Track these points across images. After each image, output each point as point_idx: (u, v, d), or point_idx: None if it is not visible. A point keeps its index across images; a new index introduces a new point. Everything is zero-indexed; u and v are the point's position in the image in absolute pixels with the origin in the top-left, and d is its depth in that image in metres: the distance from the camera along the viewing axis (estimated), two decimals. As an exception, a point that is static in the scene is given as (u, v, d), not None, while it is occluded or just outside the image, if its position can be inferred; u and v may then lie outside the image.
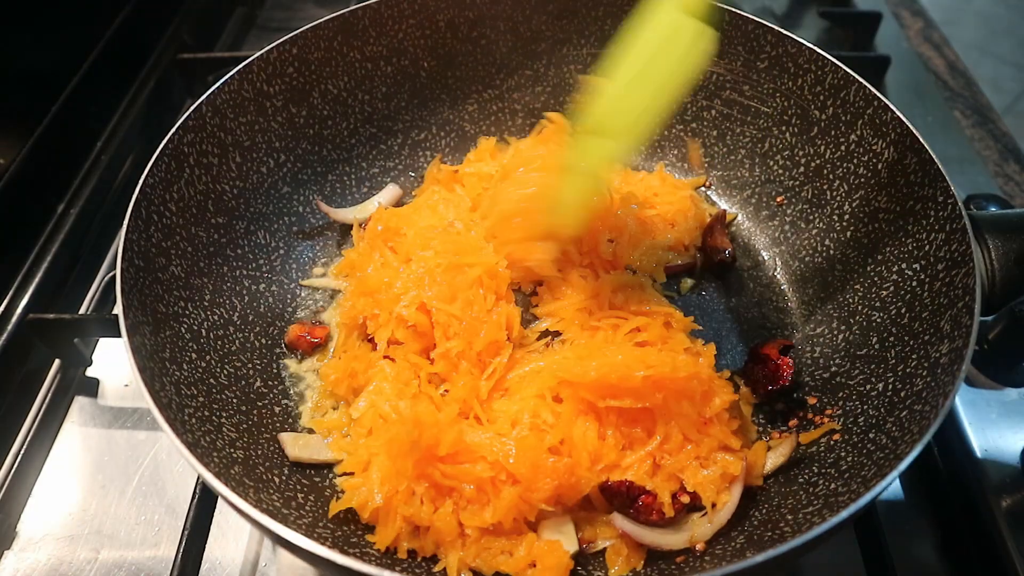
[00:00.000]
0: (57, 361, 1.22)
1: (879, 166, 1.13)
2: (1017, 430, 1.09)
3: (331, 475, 1.02)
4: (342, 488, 0.98)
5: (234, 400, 1.02)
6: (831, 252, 1.21)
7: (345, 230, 1.33)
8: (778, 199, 1.32)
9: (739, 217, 1.37)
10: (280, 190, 1.27)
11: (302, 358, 1.15)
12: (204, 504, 0.97)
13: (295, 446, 1.01)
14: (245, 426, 0.99)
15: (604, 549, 0.95)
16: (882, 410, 0.96)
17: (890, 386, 0.98)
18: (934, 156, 1.03)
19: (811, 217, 1.26)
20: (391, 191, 1.37)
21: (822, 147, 1.23)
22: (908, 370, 0.97)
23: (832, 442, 0.99)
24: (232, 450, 0.92)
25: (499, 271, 1.11)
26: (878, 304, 1.09)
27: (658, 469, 0.97)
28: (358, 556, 0.81)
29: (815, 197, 1.25)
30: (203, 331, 1.04)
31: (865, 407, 1.00)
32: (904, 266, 1.06)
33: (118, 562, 1.02)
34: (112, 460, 1.12)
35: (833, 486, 0.90)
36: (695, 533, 0.93)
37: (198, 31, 1.83)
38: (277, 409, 1.08)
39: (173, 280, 1.03)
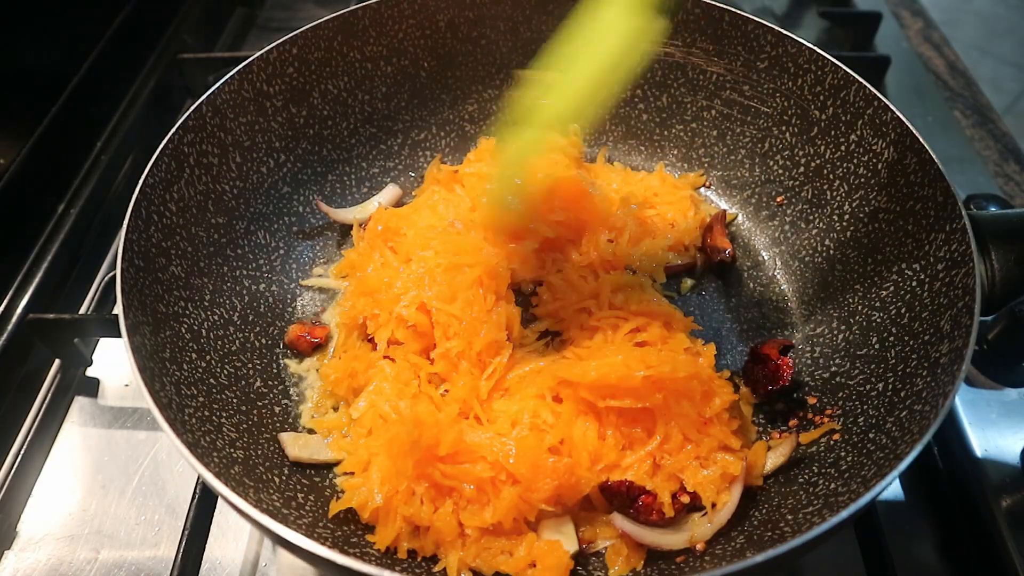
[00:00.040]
0: (57, 361, 1.22)
1: (879, 166, 1.13)
2: (1017, 430, 1.09)
3: (331, 475, 1.02)
4: (342, 488, 0.98)
5: (234, 400, 1.02)
6: (831, 252, 1.21)
7: (345, 230, 1.33)
8: (778, 199, 1.31)
9: (739, 217, 1.37)
10: (280, 190, 1.27)
11: (302, 358, 1.16)
12: (204, 504, 0.97)
13: (295, 446, 1.01)
14: (245, 426, 0.99)
15: (604, 549, 0.95)
16: (882, 410, 0.96)
17: (890, 386, 0.98)
18: (934, 156, 1.03)
19: (811, 217, 1.26)
20: (391, 191, 1.37)
21: (822, 147, 1.23)
22: (908, 370, 0.97)
23: (832, 442, 0.99)
24: (232, 450, 0.92)
25: (499, 271, 1.10)
26: (878, 304, 1.09)
27: (658, 469, 0.97)
28: (358, 556, 0.81)
29: (815, 197, 1.25)
30: (203, 331, 1.04)
31: (865, 407, 1.00)
32: (904, 266, 1.06)
33: (118, 562, 1.02)
34: (112, 460, 1.12)
35: (833, 486, 0.90)
36: (695, 533, 0.93)
37: (198, 31, 1.83)
38: (277, 409, 1.08)
39: (173, 280, 1.03)
